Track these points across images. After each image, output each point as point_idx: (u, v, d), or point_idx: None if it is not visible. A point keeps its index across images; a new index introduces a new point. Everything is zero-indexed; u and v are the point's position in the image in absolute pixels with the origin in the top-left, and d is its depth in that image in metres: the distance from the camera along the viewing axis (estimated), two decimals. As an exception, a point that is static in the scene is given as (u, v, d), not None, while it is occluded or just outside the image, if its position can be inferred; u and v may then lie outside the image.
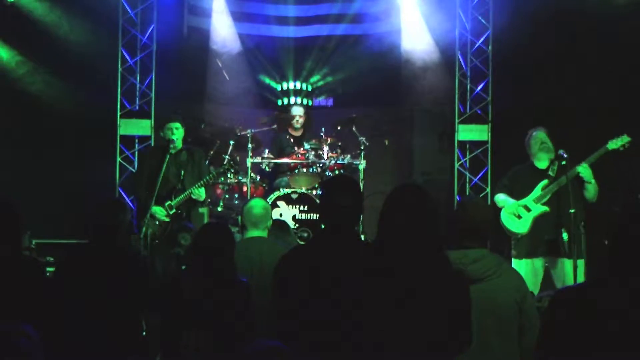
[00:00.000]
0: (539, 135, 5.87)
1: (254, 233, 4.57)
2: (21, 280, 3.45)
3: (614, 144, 5.65)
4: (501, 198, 5.94)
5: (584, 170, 5.62)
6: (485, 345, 3.08)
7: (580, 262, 5.55)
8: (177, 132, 6.37)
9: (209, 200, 7.64)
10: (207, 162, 7.24)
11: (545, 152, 5.83)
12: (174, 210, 6.31)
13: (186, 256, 5.17)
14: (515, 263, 5.75)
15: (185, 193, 6.31)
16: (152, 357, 3.92)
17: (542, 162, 5.85)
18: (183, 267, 5.06)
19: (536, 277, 5.73)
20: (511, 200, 5.84)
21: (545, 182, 5.75)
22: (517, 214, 5.79)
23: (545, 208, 5.71)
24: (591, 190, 5.68)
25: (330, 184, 3.26)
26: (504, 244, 6.13)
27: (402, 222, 2.70)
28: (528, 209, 5.77)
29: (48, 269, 5.21)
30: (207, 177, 6.38)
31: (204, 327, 3.44)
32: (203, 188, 6.34)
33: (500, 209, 5.91)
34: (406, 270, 2.62)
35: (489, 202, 8.46)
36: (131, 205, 8.32)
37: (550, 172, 5.78)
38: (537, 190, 5.76)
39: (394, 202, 2.77)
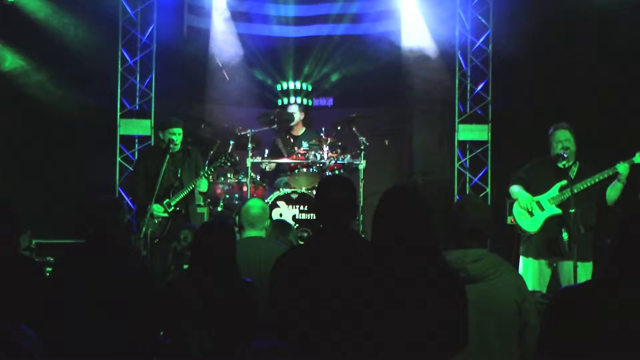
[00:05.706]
0: (559, 135, 5.62)
1: (251, 233, 4.58)
2: (20, 280, 3.45)
3: None
4: (516, 190, 5.73)
5: (624, 169, 5.36)
6: (484, 345, 3.08)
7: (589, 265, 5.48)
8: (177, 138, 6.53)
9: (209, 200, 7.65)
10: (207, 161, 7.26)
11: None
12: (172, 208, 6.44)
13: (185, 254, 5.17)
14: (523, 261, 5.68)
15: (185, 191, 6.43)
16: (150, 357, 3.91)
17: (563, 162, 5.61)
18: (185, 266, 5.07)
19: (543, 277, 5.60)
20: (526, 194, 5.65)
21: (563, 182, 5.52)
22: (530, 210, 5.60)
23: (559, 210, 5.51)
24: (619, 189, 5.43)
25: (322, 182, 3.29)
26: (512, 242, 6.04)
27: (394, 224, 2.68)
28: (542, 208, 5.58)
29: (47, 269, 5.21)
30: (204, 171, 6.51)
31: (204, 326, 3.42)
32: (205, 180, 6.48)
33: (513, 201, 5.75)
34: (400, 271, 2.60)
35: (489, 201, 8.49)
36: (131, 205, 8.33)
37: (570, 173, 5.51)
38: (554, 190, 5.57)
39: (386, 204, 2.75)
